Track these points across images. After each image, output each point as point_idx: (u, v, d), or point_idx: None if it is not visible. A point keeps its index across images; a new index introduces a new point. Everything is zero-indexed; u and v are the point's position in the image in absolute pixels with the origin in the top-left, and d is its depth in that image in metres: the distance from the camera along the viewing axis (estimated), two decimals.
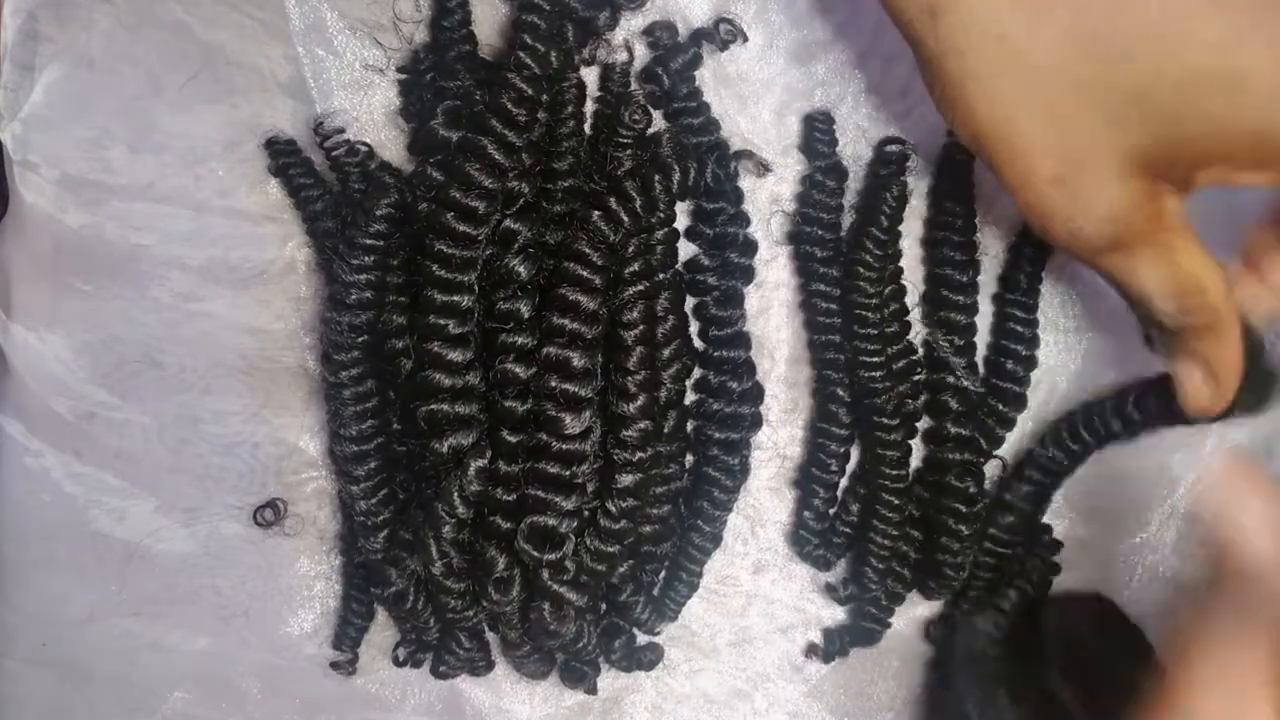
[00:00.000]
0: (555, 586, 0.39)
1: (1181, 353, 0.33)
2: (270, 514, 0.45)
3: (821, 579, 0.46)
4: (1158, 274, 0.30)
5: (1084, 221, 0.29)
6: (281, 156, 0.42)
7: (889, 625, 0.46)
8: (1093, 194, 0.29)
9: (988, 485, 0.44)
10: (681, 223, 0.43)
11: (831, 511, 0.45)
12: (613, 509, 0.40)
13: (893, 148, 0.42)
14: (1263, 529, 0.30)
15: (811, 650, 0.47)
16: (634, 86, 0.42)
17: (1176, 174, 0.29)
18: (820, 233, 0.43)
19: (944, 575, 0.44)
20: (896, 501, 0.43)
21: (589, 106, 0.42)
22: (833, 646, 0.46)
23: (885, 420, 0.42)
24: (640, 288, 0.40)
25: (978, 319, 0.44)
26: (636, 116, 0.40)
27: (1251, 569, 0.30)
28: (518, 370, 0.39)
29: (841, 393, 0.43)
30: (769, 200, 0.44)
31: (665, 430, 0.42)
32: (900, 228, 0.42)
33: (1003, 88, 0.29)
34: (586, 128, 0.42)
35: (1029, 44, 0.28)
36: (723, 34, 0.42)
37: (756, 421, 0.44)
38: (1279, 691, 0.28)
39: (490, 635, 0.45)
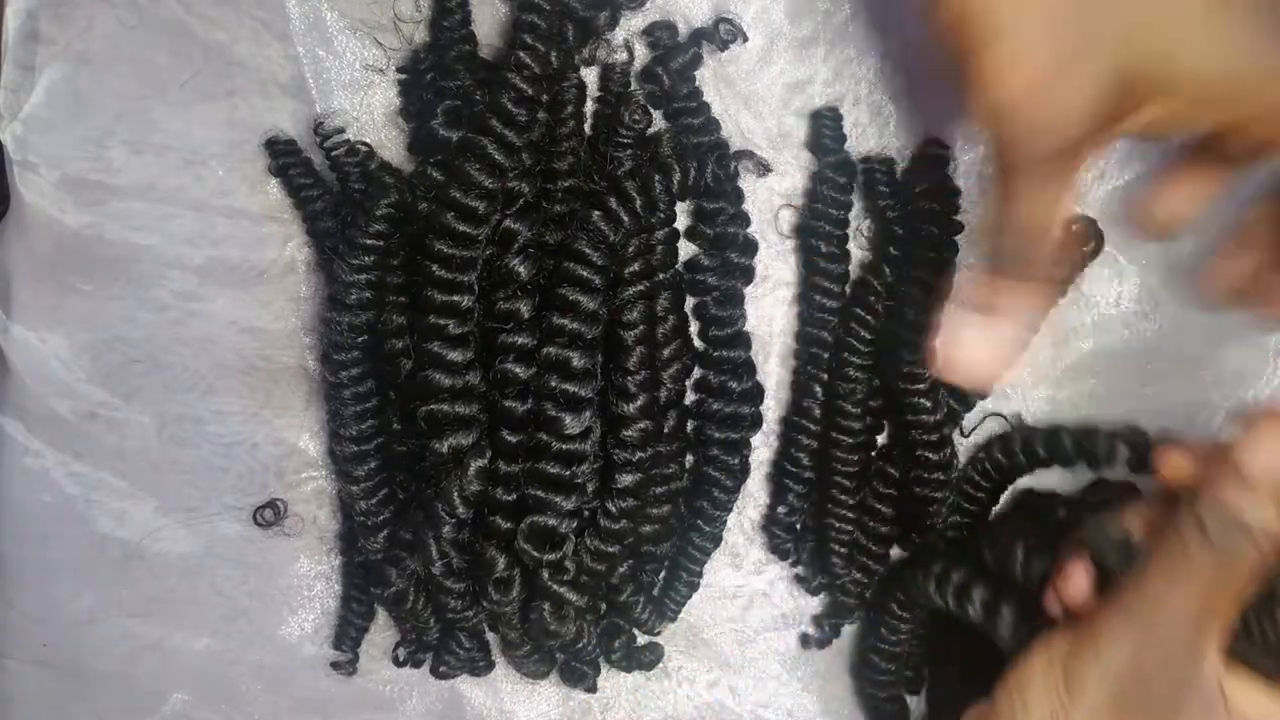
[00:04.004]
0: (555, 586, 0.39)
1: (991, 299, 0.34)
2: (270, 514, 0.45)
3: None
4: (1043, 205, 0.32)
5: (1053, 115, 0.30)
6: (281, 156, 0.42)
7: (865, 599, 0.45)
8: (1073, 90, 0.30)
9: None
10: (681, 223, 0.43)
11: (806, 506, 0.45)
12: (613, 509, 0.40)
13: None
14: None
15: (805, 640, 0.47)
16: (634, 86, 0.42)
17: (1128, 105, 0.31)
18: (828, 227, 0.43)
19: (925, 529, 0.44)
20: (850, 485, 0.43)
21: (589, 106, 0.42)
22: (824, 632, 0.46)
23: (849, 408, 0.42)
24: (640, 288, 0.40)
25: None
26: (636, 116, 0.40)
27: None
28: (518, 370, 0.39)
29: (818, 389, 0.43)
30: (767, 196, 0.44)
31: (665, 430, 0.42)
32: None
33: None
34: (586, 128, 0.42)
35: None
36: (723, 34, 0.42)
37: (756, 421, 0.44)
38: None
39: (490, 635, 0.45)
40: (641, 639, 0.45)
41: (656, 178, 0.40)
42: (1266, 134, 0.32)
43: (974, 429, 0.45)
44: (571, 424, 0.38)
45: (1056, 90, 0.30)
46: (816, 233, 0.43)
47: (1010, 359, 0.35)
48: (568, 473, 0.39)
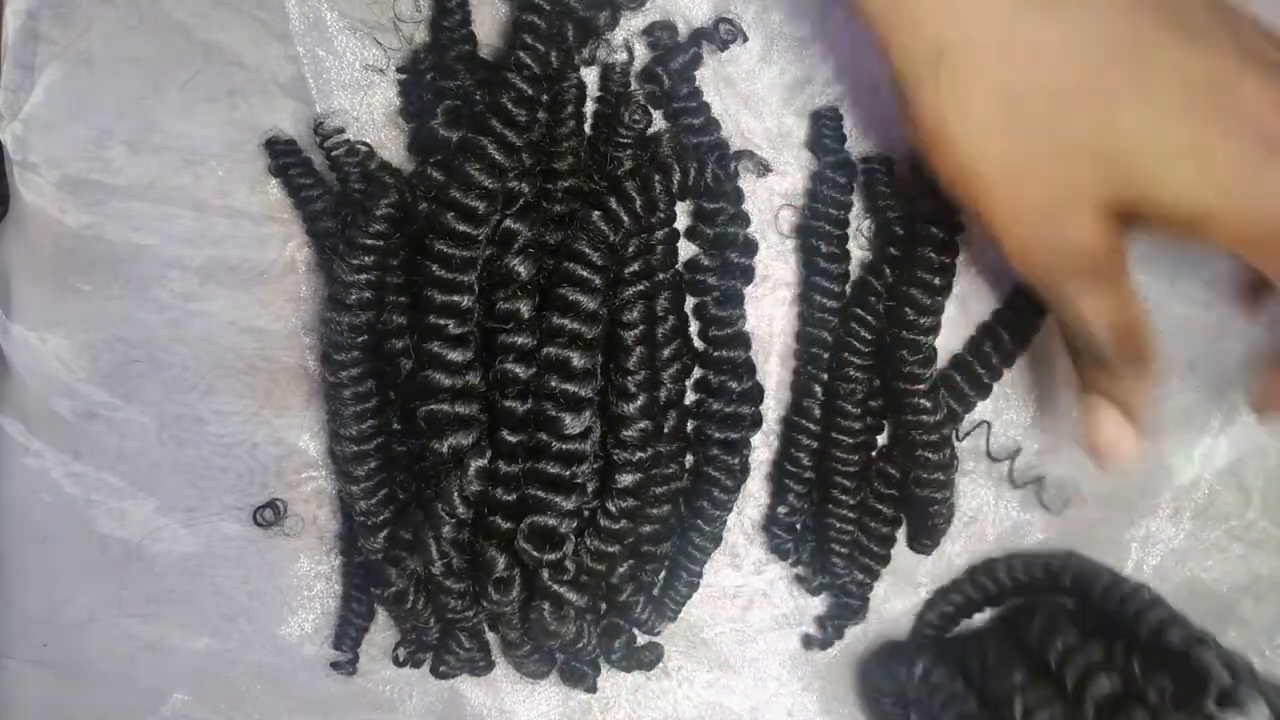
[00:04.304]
0: (555, 586, 0.39)
1: (1102, 391, 0.36)
2: (270, 514, 0.45)
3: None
4: (1102, 304, 0.34)
5: (1062, 252, 0.33)
6: (281, 156, 0.42)
7: (868, 600, 0.46)
8: (1073, 229, 0.32)
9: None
10: (681, 223, 0.43)
11: (806, 506, 0.45)
12: (613, 509, 0.40)
13: None
14: None
15: (808, 641, 0.47)
16: (634, 86, 0.42)
17: (1130, 221, 0.33)
18: (828, 227, 0.43)
19: (934, 530, 0.44)
20: (850, 485, 0.43)
21: (589, 106, 0.42)
22: (826, 634, 0.46)
23: (849, 408, 0.42)
24: (640, 288, 0.40)
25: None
26: (636, 116, 0.40)
27: None
28: (518, 370, 0.39)
29: (818, 389, 0.43)
30: (767, 196, 0.44)
31: (665, 430, 0.42)
32: None
33: (1002, 137, 0.32)
34: (586, 128, 0.42)
35: (1028, 100, 0.31)
36: (723, 34, 0.42)
37: (756, 421, 0.44)
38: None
39: (490, 635, 0.45)
40: (641, 639, 0.45)
41: (656, 178, 0.40)
42: (1264, 260, 0.33)
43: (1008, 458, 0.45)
44: (571, 424, 0.38)
45: (1057, 232, 0.32)
46: (816, 233, 0.43)
47: (1147, 434, 0.36)
48: (568, 473, 0.39)
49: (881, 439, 0.45)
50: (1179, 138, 0.31)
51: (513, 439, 0.39)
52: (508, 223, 0.39)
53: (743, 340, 0.43)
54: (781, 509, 0.45)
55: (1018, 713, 0.36)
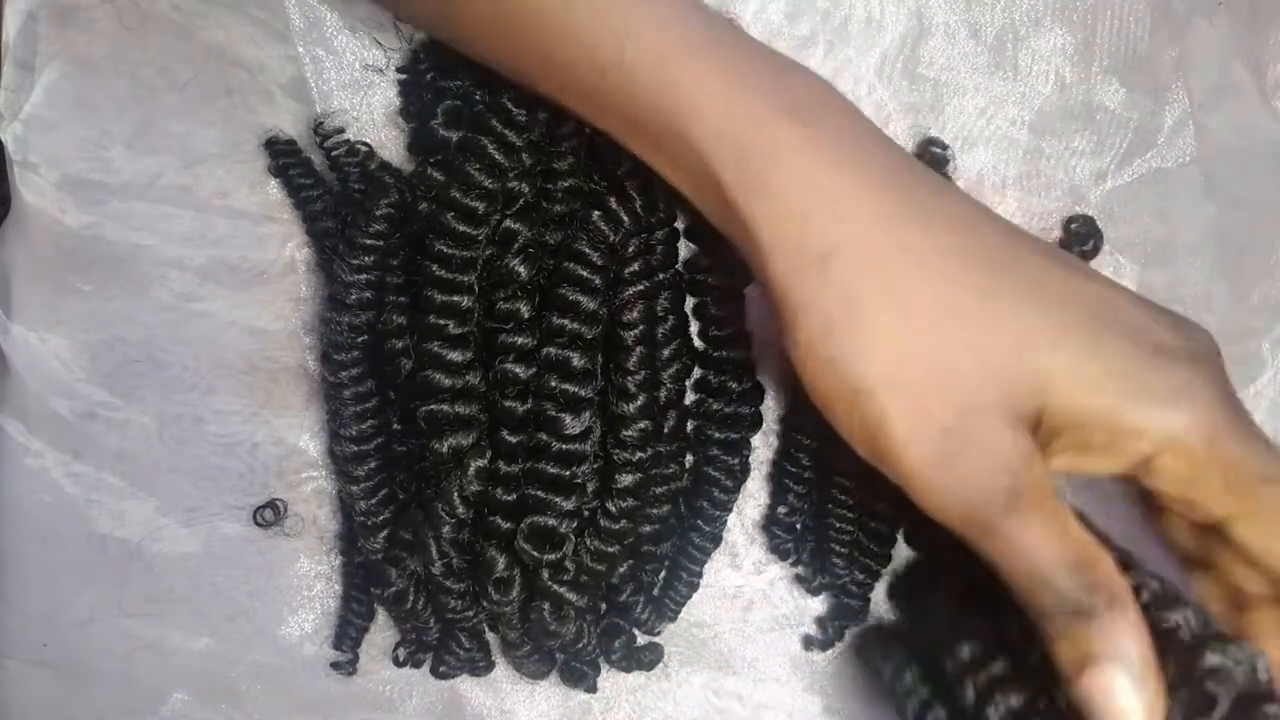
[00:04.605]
0: (555, 586, 0.39)
1: (1087, 659, 0.28)
2: (270, 514, 0.45)
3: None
4: (1052, 540, 0.29)
5: (981, 472, 0.29)
6: (281, 156, 0.42)
7: (868, 601, 0.45)
8: (988, 442, 0.29)
9: None
10: (681, 223, 0.43)
11: (806, 506, 0.45)
12: (613, 509, 0.40)
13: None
14: None
15: (809, 642, 0.47)
16: None
17: (1041, 438, 0.30)
18: None
19: (925, 529, 0.44)
20: (850, 485, 0.43)
21: None
22: (827, 634, 0.46)
23: None
24: (640, 288, 0.40)
25: None
26: None
27: None
28: (518, 370, 0.39)
29: None
30: None
31: (665, 430, 0.42)
32: None
33: (894, 341, 0.30)
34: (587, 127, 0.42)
35: (920, 304, 0.30)
36: None
37: (756, 421, 0.44)
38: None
39: (490, 635, 0.45)
40: (641, 639, 0.45)
41: (657, 177, 0.40)
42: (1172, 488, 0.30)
43: None
44: (571, 424, 0.38)
45: (971, 447, 0.29)
46: None
47: (1159, 693, 0.28)
48: (568, 473, 0.39)
49: None
50: (1076, 347, 0.30)
51: (513, 439, 0.39)
52: (508, 223, 0.39)
53: (743, 340, 0.43)
54: (781, 509, 0.45)
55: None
